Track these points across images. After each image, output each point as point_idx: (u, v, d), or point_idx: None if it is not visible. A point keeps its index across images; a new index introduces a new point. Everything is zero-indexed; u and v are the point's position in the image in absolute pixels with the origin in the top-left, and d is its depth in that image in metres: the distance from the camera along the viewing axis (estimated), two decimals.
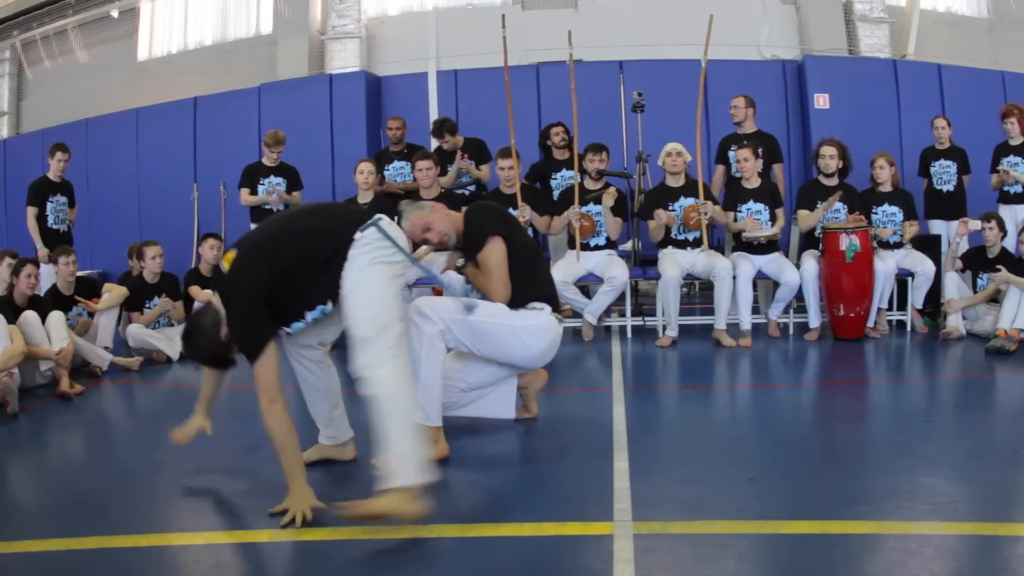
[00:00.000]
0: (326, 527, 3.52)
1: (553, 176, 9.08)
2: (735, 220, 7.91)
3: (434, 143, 9.43)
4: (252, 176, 9.21)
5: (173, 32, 15.28)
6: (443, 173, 8.87)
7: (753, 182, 7.97)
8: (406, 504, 3.39)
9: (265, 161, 9.25)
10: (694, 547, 3.21)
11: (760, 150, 8.32)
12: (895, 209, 8.06)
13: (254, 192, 9.14)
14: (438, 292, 7.23)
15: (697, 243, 7.81)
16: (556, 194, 8.64)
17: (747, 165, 7.92)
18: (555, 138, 9.05)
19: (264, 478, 4.09)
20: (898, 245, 8.02)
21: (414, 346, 4.28)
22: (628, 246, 8.80)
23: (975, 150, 8.99)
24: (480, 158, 9.13)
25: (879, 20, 12.78)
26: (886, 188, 8.12)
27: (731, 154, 8.46)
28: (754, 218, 7.80)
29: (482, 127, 9.57)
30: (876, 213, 8.07)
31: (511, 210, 7.89)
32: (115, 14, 14.95)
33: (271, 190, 9.04)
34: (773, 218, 7.85)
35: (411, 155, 9.00)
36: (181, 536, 3.60)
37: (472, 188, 8.94)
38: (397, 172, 9.35)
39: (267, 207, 9.07)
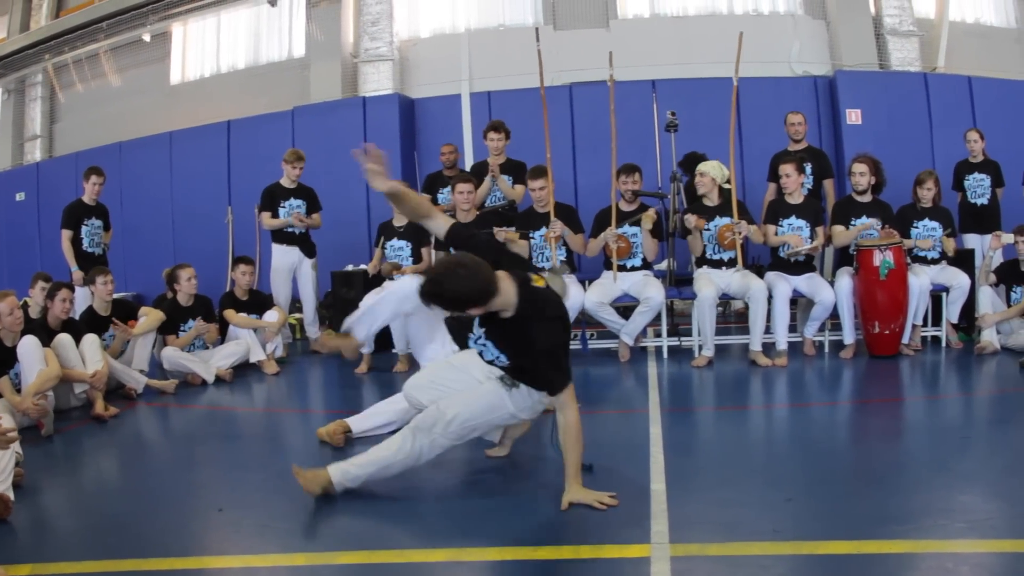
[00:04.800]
0: (364, 551, 3.60)
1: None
2: (775, 235, 7.89)
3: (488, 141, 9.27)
4: (272, 199, 9.32)
5: (206, 56, 15.55)
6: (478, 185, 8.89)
7: (796, 197, 7.95)
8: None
9: (284, 182, 9.31)
10: (731, 569, 3.20)
11: (808, 166, 8.35)
12: (935, 224, 8.03)
13: (276, 215, 9.29)
14: None
15: (732, 263, 7.81)
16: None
17: (789, 181, 7.88)
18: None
19: (298, 501, 4.14)
20: (936, 261, 8.00)
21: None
22: (663, 266, 8.79)
23: (1008, 162, 8.99)
24: (518, 180, 9.16)
25: (909, 33, 12.74)
26: (926, 204, 8.09)
27: None
28: (797, 234, 7.79)
29: (515, 147, 9.57)
30: (916, 227, 8.04)
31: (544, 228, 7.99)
32: (147, 38, 15.14)
33: (292, 214, 9.21)
34: (814, 235, 7.83)
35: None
36: (217, 559, 3.63)
37: (504, 205, 8.89)
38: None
39: (289, 229, 9.29)
